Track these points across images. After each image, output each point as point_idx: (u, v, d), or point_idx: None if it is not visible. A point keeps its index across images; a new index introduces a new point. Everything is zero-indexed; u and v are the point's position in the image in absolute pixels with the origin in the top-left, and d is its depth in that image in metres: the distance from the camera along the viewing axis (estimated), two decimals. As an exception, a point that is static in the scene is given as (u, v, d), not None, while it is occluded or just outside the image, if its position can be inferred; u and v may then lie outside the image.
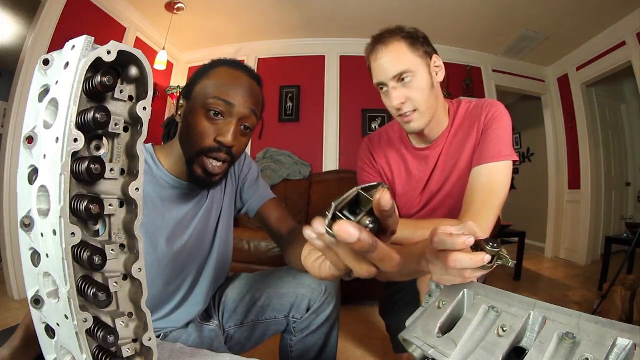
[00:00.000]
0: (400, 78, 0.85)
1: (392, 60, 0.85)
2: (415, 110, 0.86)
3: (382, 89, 0.90)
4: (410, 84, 0.85)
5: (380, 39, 0.88)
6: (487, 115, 0.89)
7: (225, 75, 0.74)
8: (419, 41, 0.88)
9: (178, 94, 0.82)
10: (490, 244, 0.42)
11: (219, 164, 0.73)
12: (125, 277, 0.41)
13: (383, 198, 0.27)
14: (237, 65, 0.77)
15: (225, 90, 0.71)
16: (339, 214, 0.29)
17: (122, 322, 0.40)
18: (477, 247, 0.43)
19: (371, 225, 0.29)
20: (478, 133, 0.89)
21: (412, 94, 0.85)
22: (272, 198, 0.94)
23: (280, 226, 0.89)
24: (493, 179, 0.83)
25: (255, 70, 0.82)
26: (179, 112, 0.78)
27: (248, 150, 3.46)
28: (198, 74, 0.76)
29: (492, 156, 0.84)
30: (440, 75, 0.91)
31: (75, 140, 0.34)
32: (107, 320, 0.39)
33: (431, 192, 0.97)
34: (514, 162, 0.86)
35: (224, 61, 0.78)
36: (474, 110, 0.92)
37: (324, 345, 0.92)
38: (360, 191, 0.29)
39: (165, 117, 3.57)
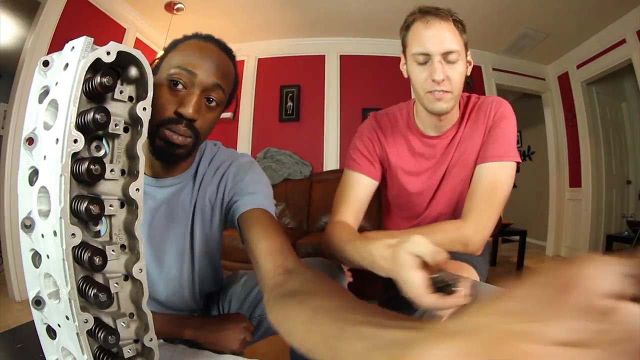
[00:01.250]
0: (447, 57, 0.82)
1: (448, 36, 0.82)
2: (449, 92, 0.84)
3: (421, 60, 0.84)
4: (456, 65, 0.83)
5: (435, 13, 0.84)
6: (496, 113, 0.89)
7: (192, 46, 0.69)
8: (465, 32, 0.87)
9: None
10: (434, 275, 0.48)
11: (180, 137, 0.66)
12: (126, 278, 0.41)
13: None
14: (207, 37, 0.73)
15: (190, 60, 0.66)
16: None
17: (123, 322, 0.40)
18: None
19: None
20: (486, 129, 0.89)
21: (453, 75, 0.83)
22: (262, 208, 0.72)
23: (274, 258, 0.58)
24: (498, 178, 0.84)
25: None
26: None
27: (248, 150, 3.46)
28: (167, 49, 0.72)
29: (499, 155, 0.85)
30: (469, 70, 0.90)
31: (75, 141, 0.34)
32: (108, 320, 0.39)
33: (433, 183, 0.96)
34: (517, 163, 0.86)
35: (194, 35, 0.73)
36: (482, 105, 0.92)
37: None
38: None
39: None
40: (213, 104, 0.69)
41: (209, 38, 0.73)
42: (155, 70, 0.70)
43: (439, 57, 0.82)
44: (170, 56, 0.69)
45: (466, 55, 0.87)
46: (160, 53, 0.78)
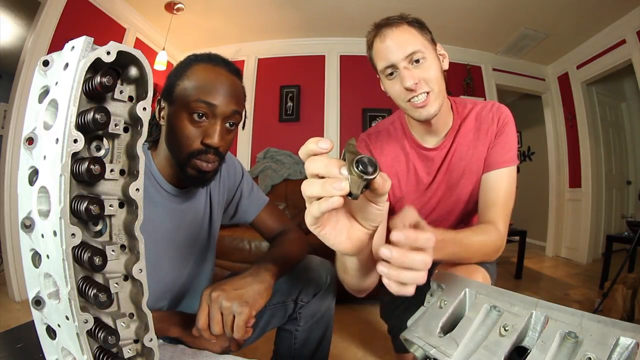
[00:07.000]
0: (412, 59, 0.81)
1: (404, 40, 0.81)
2: (429, 93, 0.82)
3: (390, 73, 0.84)
4: (423, 64, 0.81)
5: (386, 23, 0.84)
6: (499, 119, 0.89)
7: (204, 74, 0.72)
8: (425, 28, 0.86)
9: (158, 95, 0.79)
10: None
11: (210, 164, 0.73)
12: (126, 278, 0.41)
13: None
14: (213, 60, 0.75)
15: (207, 91, 0.70)
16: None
17: (123, 322, 0.40)
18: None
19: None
20: (492, 136, 0.89)
21: (425, 74, 0.81)
22: (266, 206, 0.98)
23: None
24: (509, 183, 0.86)
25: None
26: (162, 114, 0.76)
27: (248, 150, 3.47)
28: (176, 75, 0.74)
29: (507, 160, 0.86)
30: (445, 63, 0.88)
31: (75, 141, 0.34)
32: (108, 321, 0.39)
33: (437, 193, 0.95)
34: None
35: (200, 57, 0.75)
36: (484, 112, 0.91)
37: (322, 337, 0.94)
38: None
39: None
40: (232, 127, 0.75)
41: (217, 60, 0.76)
42: (169, 97, 0.74)
43: (403, 63, 0.81)
44: (183, 82, 0.72)
45: (435, 50, 0.86)
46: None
